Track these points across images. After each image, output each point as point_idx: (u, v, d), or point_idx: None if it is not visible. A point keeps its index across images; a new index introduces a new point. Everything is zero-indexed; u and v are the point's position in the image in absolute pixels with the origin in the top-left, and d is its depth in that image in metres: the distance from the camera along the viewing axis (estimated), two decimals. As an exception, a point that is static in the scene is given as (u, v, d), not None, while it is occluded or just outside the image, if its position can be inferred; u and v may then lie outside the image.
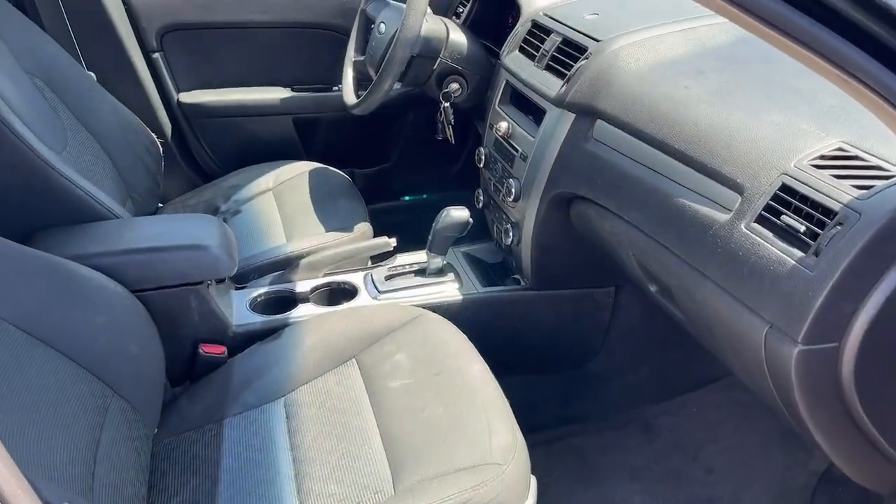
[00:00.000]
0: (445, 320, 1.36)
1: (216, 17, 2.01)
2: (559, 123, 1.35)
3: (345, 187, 1.93)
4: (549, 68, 1.43)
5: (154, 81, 2.03)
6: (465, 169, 2.33)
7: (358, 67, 1.86)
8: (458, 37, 1.70)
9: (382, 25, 1.72)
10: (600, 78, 1.27)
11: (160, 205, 2.00)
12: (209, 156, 2.17)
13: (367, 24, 1.86)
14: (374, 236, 1.79)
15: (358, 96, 1.82)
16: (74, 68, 1.73)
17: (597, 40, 1.34)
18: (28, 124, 1.43)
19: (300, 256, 1.62)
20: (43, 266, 1.18)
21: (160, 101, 2.06)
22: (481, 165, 1.64)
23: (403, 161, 2.30)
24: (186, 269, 1.33)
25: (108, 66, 1.93)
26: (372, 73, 1.77)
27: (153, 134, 1.91)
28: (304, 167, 2.00)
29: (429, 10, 1.61)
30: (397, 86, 1.67)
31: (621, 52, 1.28)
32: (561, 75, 1.38)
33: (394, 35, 1.65)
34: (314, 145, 2.23)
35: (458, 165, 2.33)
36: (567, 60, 1.38)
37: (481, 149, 1.64)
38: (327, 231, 1.71)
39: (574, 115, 1.32)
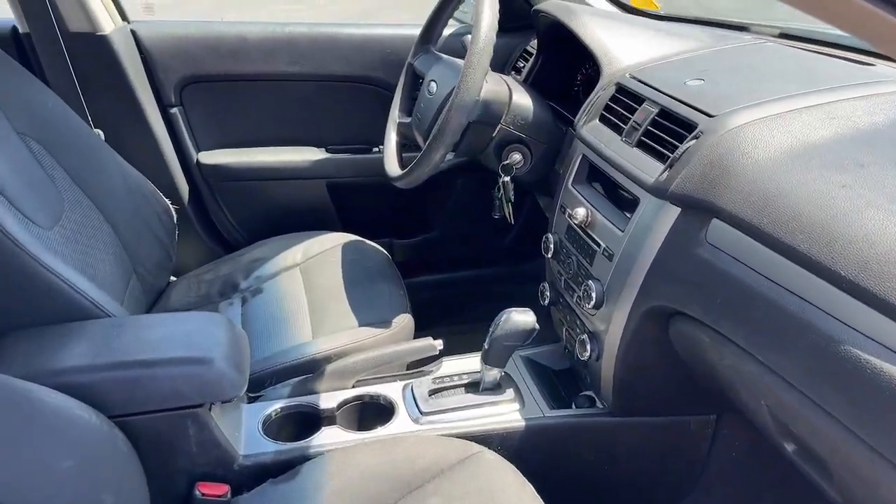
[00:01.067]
0: (507, 464, 1.07)
1: (242, 69, 1.78)
2: (658, 218, 1.06)
3: (383, 266, 1.66)
4: (642, 145, 1.15)
5: (171, 139, 1.80)
6: (518, 241, 2.06)
7: (402, 131, 1.60)
8: (523, 99, 1.43)
9: (433, 84, 1.46)
10: (717, 165, 0.98)
11: (173, 278, 1.76)
12: (231, 224, 1.92)
13: (415, 80, 1.61)
14: (415, 317, 1.53)
15: (401, 163, 1.56)
16: (78, 127, 1.50)
17: (709, 115, 1.05)
18: (12, 199, 1.20)
19: (327, 359, 1.35)
20: (-4, 394, 0.92)
21: (177, 161, 1.82)
22: (549, 255, 1.36)
23: (449, 231, 2.03)
24: (183, 389, 1.06)
25: (118, 122, 1.70)
26: (419, 139, 1.51)
27: (167, 200, 1.68)
28: (336, 239, 1.74)
29: (487, 67, 1.35)
30: (449, 156, 1.40)
31: (743, 133, 0.99)
32: (659, 156, 1.10)
33: (447, 97, 1.39)
34: (350, 213, 1.97)
35: (511, 236, 2.05)
36: (667, 138, 1.10)
37: (549, 236, 1.35)
38: (360, 325, 1.44)
39: (679, 210, 1.03)
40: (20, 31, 1.61)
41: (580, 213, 1.22)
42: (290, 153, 1.88)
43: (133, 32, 1.71)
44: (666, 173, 1.05)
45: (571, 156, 1.34)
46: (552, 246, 1.34)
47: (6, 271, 1.11)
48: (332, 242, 1.73)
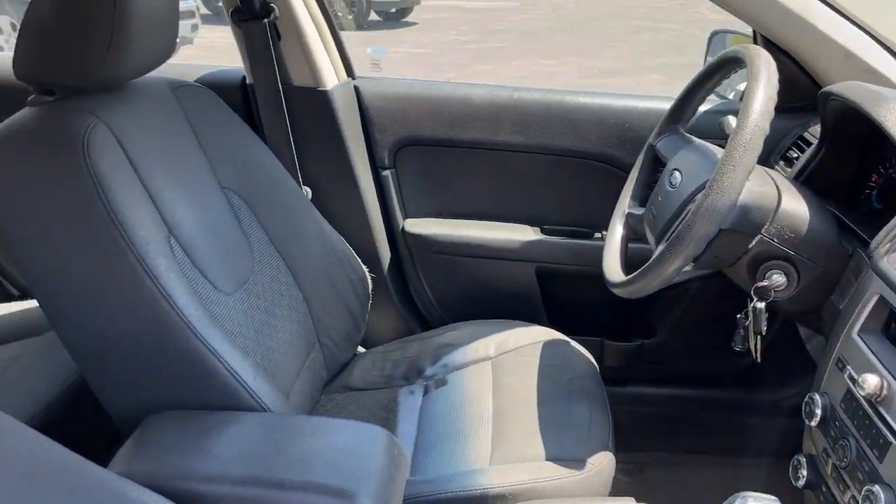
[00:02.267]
0: None
1: (462, 134, 1.62)
2: None
3: (587, 381, 1.39)
4: (985, 304, 0.78)
5: (379, 203, 1.69)
6: (762, 364, 1.67)
7: (632, 224, 1.33)
8: (795, 205, 1.10)
9: (677, 175, 1.18)
10: None
11: (361, 349, 1.63)
12: (429, 299, 1.76)
13: (654, 165, 1.34)
14: (617, 436, 1.28)
15: (625, 263, 1.29)
16: (284, 185, 1.43)
17: None
18: (197, 259, 1.13)
19: (500, 498, 1.11)
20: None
21: (382, 227, 1.70)
22: (812, 423, 1.00)
23: (675, 340, 1.70)
24: None
25: (327, 181, 1.62)
26: (650, 238, 1.23)
27: (365, 267, 1.56)
28: (537, 335, 1.51)
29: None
30: (687, 267, 1.11)
31: None
32: None
33: (692, 195, 1.11)
34: (558, 304, 1.73)
35: (751, 357, 1.67)
36: None
37: (816, 397, 0.99)
38: (548, 458, 1.18)
39: None
40: (248, 81, 1.59)
41: (870, 382, 0.86)
42: (502, 230, 1.68)
43: (356, 89, 1.63)
44: None
45: (861, 292, 0.98)
46: (819, 412, 0.98)
47: (167, 346, 1.02)
48: (531, 337, 1.50)
